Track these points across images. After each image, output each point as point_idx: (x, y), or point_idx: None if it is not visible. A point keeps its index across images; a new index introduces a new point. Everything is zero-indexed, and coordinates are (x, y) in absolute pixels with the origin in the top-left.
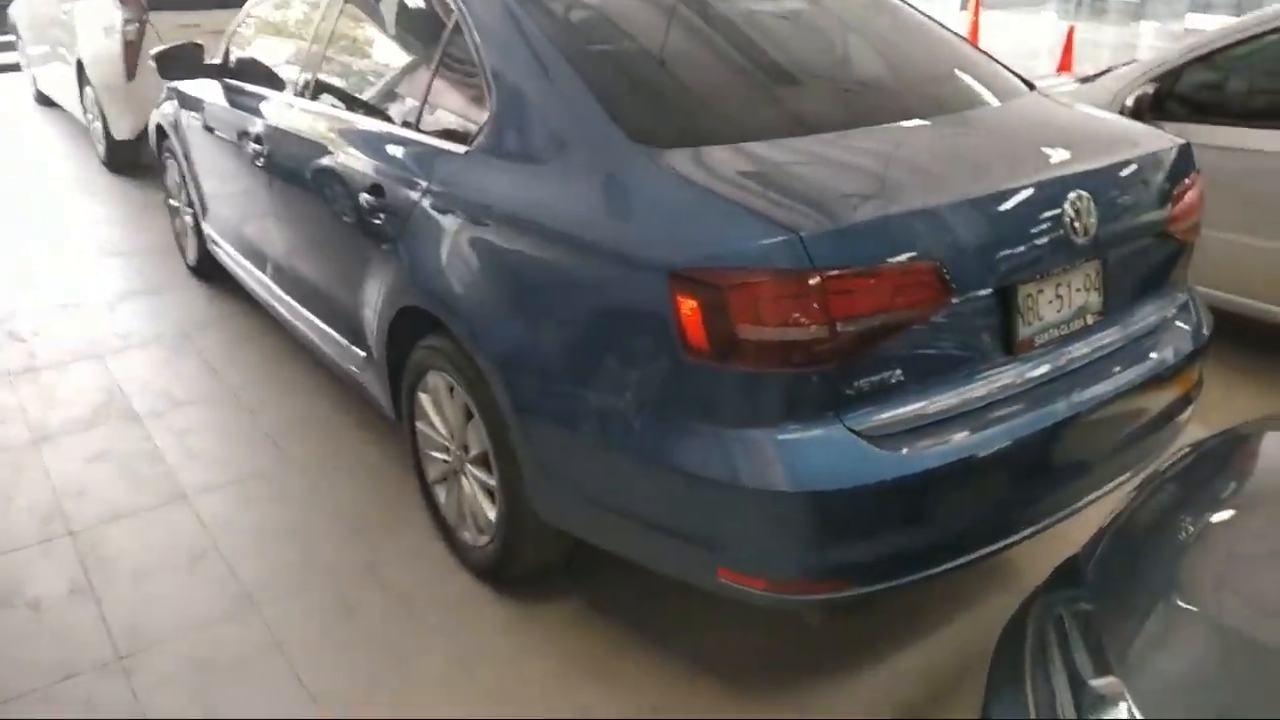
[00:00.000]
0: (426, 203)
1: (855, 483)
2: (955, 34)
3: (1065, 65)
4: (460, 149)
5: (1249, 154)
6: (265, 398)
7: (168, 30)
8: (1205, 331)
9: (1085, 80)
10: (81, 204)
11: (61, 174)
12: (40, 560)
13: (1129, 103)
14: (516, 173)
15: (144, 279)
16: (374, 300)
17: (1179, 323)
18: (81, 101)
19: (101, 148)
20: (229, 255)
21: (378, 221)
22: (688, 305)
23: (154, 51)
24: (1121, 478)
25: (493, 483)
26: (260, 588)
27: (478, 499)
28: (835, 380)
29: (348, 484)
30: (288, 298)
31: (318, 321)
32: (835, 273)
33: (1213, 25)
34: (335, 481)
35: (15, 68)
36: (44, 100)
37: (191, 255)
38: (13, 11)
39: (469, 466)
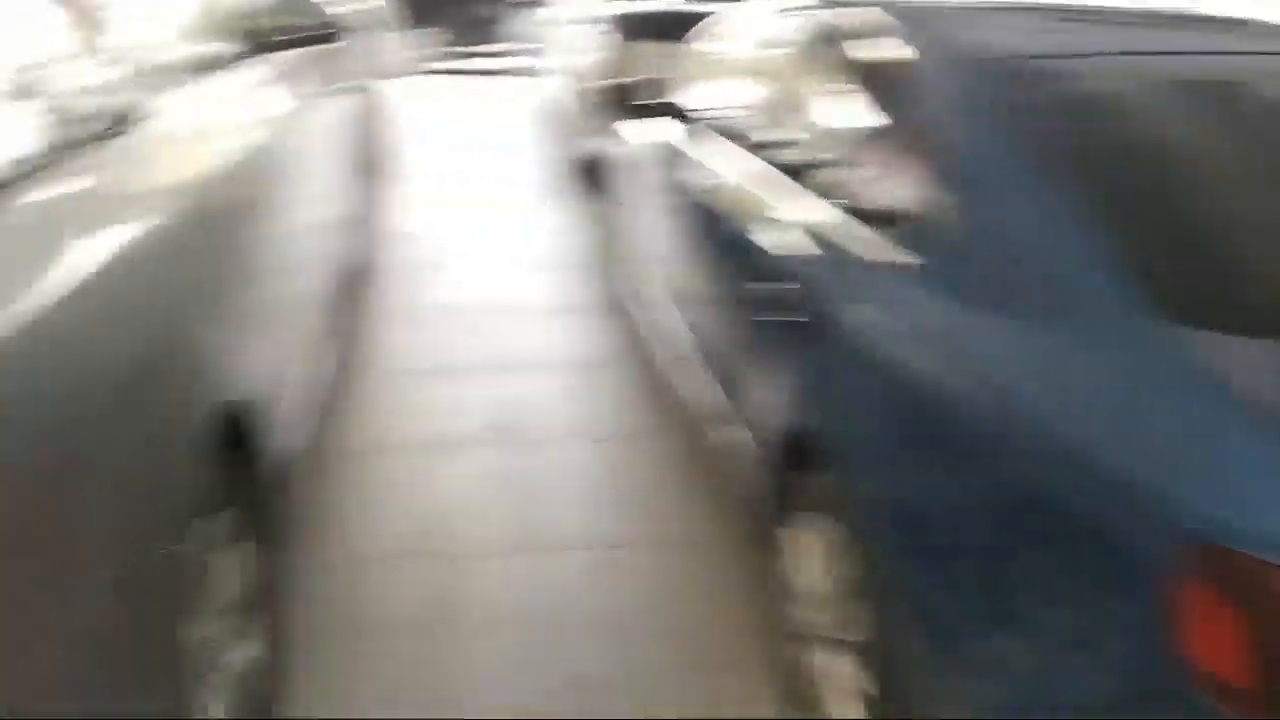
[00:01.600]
0: (842, 315)
1: None
2: None
3: None
4: (905, 261)
5: None
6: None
7: (651, 59)
8: None
9: None
10: (550, 197)
11: (524, 174)
12: None
13: None
14: (976, 318)
15: (560, 298)
16: (766, 396)
17: None
18: (568, 113)
19: (572, 159)
20: (639, 297)
21: (793, 318)
22: (1212, 605)
23: (611, 86)
24: None
25: (871, 690)
26: None
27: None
28: None
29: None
30: (694, 360)
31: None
32: None
33: None
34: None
35: (520, 73)
36: (543, 107)
37: (612, 286)
38: (532, 24)
39: (836, 647)
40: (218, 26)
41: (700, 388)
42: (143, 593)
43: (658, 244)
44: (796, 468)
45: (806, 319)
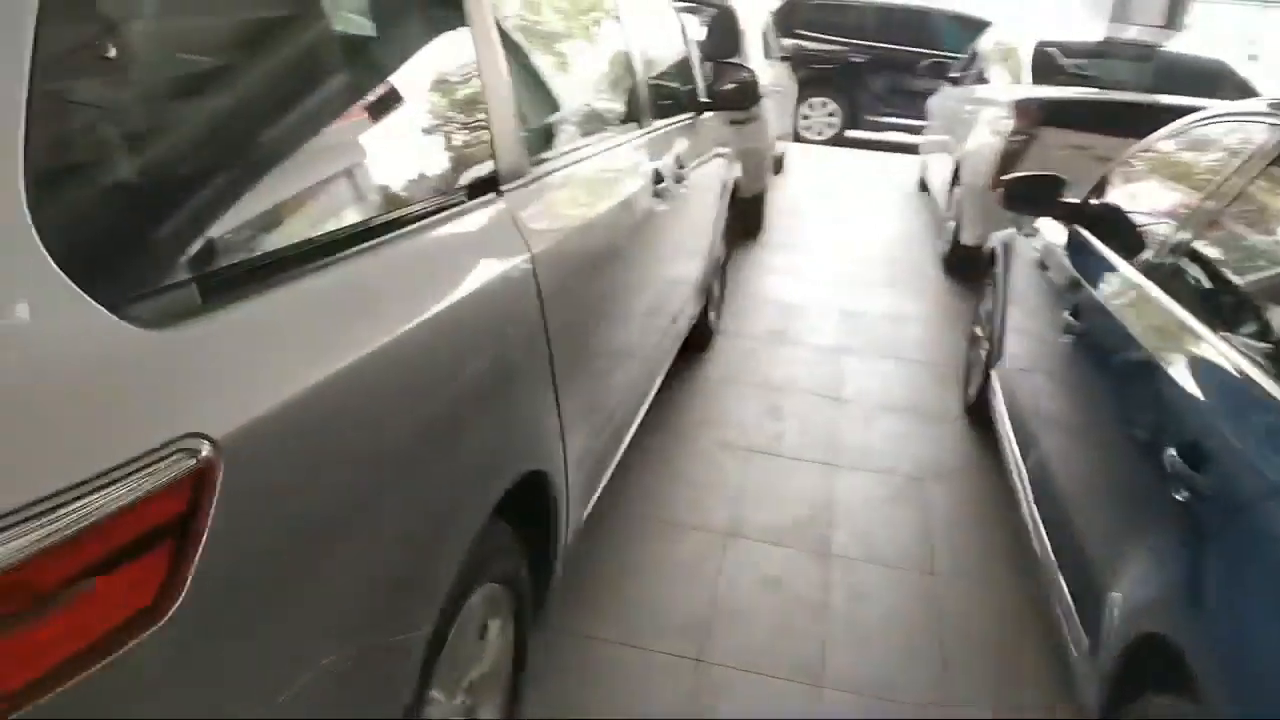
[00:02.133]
0: (1261, 505)
1: None
2: None
3: None
4: None
5: None
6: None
7: (1054, 149)
8: None
9: None
10: (912, 282)
11: (890, 255)
12: None
13: None
14: None
15: (906, 396)
16: (1120, 589)
17: None
18: (949, 197)
19: (945, 245)
20: (1000, 414)
21: (1179, 496)
22: None
23: (1003, 177)
24: None
25: None
26: None
27: None
28: None
29: None
30: (1032, 501)
31: (1054, 562)
32: None
33: None
34: None
35: (914, 150)
36: (924, 186)
37: (970, 392)
38: (932, 102)
39: None
40: (650, 87)
41: (1042, 557)
42: (391, 657)
43: (1033, 357)
44: (1142, 681)
45: (1205, 496)
